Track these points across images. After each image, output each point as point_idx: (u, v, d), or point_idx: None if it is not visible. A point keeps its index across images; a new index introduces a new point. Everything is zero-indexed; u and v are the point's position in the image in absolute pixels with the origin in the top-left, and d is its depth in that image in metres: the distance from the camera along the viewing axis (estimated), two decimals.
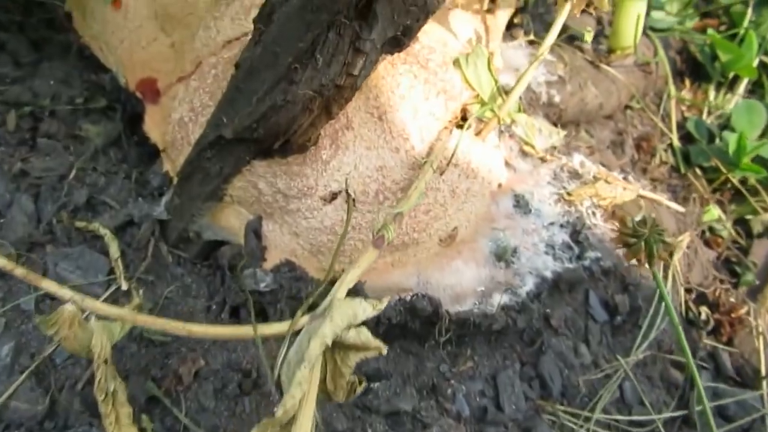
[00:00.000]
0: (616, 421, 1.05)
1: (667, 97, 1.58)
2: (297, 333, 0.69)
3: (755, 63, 1.58)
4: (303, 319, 0.69)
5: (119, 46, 1.16)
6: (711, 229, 1.42)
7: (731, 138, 1.43)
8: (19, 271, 0.68)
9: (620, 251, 1.05)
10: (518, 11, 1.50)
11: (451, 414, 0.97)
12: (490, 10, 1.34)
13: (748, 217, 1.47)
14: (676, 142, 1.52)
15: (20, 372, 0.88)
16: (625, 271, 1.17)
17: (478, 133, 1.12)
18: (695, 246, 1.30)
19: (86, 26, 1.17)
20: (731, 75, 1.64)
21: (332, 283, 0.85)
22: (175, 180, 1.01)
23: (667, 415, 1.08)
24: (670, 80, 1.59)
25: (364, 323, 0.70)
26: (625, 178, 1.30)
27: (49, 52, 1.23)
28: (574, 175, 1.21)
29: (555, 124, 1.34)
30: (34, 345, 0.92)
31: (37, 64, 1.20)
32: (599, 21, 1.65)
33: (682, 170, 1.49)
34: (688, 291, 1.25)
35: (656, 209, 1.29)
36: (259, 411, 0.91)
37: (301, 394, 0.58)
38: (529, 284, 1.06)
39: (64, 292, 0.71)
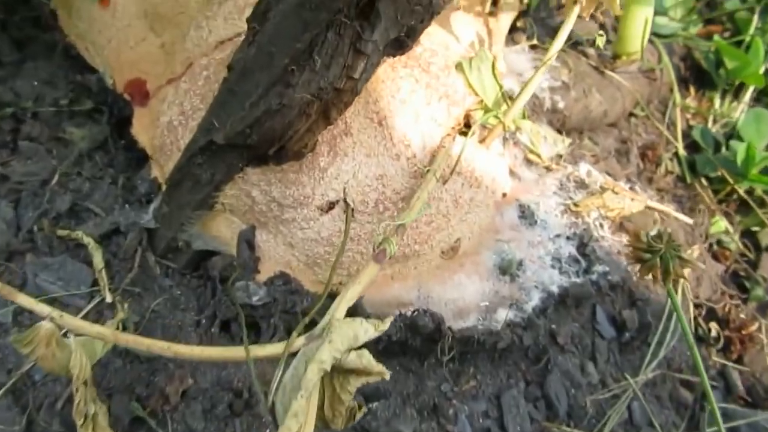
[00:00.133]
0: None
1: (673, 104, 1.54)
2: (293, 354, 0.64)
3: (761, 70, 1.54)
4: (299, 340, 0.64)
5: (107, 46, 1.11)
6: (719, 242, 1.37)
7: (739, 147, 1.39)
8: None
9: (631, 266, 1.01)
10: (521, 15, 1.45)
11: None
12: (492, 13, 1.30)
13: (755, 228, 1.43)
14: (682, 151, 1.48)
15: None
16: (633, 286, 1.12)
17: (482, 140, 1.07)
18: (704, 259, 1.26)
19: (72, 25, 1.12)
20: (736, 83, 1.60)
21: (330, 296, 0.80)
22: (164, 187, 0.96)
23: None
24: (675, 87, 1.55)
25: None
26: (631, 188, 1.25)
27: (32, 51, 1.17)
28: (581, 184, 1.16)
29: (559, 132, 1.29)
30: (11, 360, 0.86)
31: (20, 64, 1.15)
32: (602, 26, 1.61)
33: (688, 180, 1.45)
34: (697, 306, 1.21)
35: (664, 221, 1.25)
36: None
37: (298, 427, 0.53)
38: (534, 299, 1.02)
39: (41, 307, 0.66)
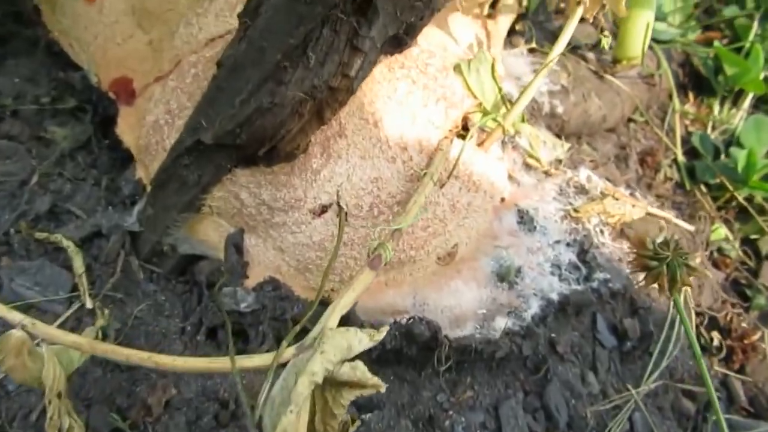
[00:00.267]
0: None
1: (672, 110, 1.52)
2: (282, 365, 0.60)
3: (761, 77, 1.52)
4: (289, 351, 0.60)
5: (92, 43, 1.07)
6: (719, 250, 1.35)
7: (740, 154, 1.37)
8: None
9: (634, 274, 0.98)
10: (519, 18, 1.43)
11: None
12: (490, 16, 1.27)
13: (754, 236, 1.41)
14: (681, 158, 1.46)
15: None
16: (634, 294, 1.09)
17: (480, 144, 1.04)
18: (705, 267, 1.23)
19: (56, 21, 1.08)
20: (736, 89, 1.58)
21: (322, 303, 0.77)
22: (149, 188, 0.92)
23: None
24: (674, 93, 1.53)
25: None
26: (631, 194, 1.22)
27: (14, 47, 1.13)
28: (581, 190, 1.13)
29: (558, 136, 1.26)
30: None
31: (1, 61, 1.10)
32: (601, 31, 1.59)
33: (688, 187, 1.42)
34: (698, 315, 1.18)
35: (662, 229, 1.22)
36: None
37: None
38: (534, 307, 0.98)
39: (13, 315, 0.61)
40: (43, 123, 1.05)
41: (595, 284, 1.04)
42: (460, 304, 0.97)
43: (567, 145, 1.21)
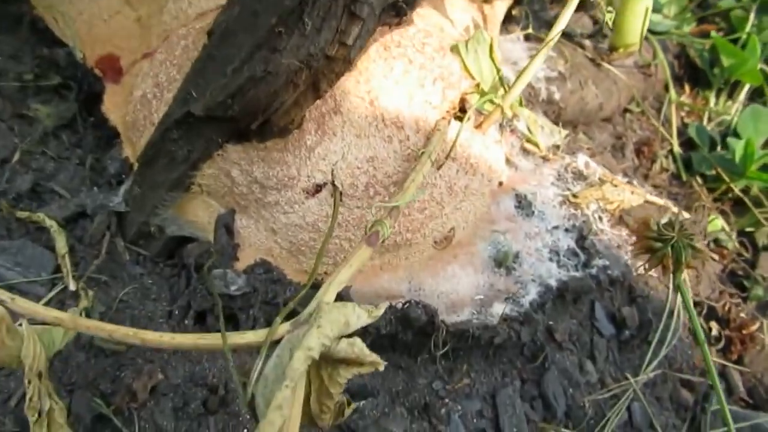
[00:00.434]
0: None
1: (668, 101, 1.50)
2: (276, 343, 0.57)
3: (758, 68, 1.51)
4: (283, 327, 0.57)
5: (77, 19, 1.04)
6: (716, 241, 1.33)
7: (737, 145, 1.35)
8: None
9: (633, 261, 0.96)
10: (515, 4, 1.40)
11: None
12: (486, 0, 1.25)
13: (749, 229, 1.39)
14: (677, 149, 1.44)
15: None
16: (633, 282, 1.07)
17: (478, 126, 1.01)
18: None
19: None
20: (731, 81, 1.57)
21: (314, 287, 0.74)
22: (136, 166, 0.88)
23: None
24: (671, 84, 1.51)
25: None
26: (629, 182, 1.20)
27: None
28: (579, 176, 1.11)
29: (555, 123, 1.24)
30: None
31: None
32: (596, 21, 1.57)
33: (684, 178, 1.41)
34: (696, 305, 1.16)
35: (670, 209, 1.20)
36: None
37: (282, 421, 0.46)
38: (532, 293, 0.96)
39: None
40: (26, 100, 1.01)
41: (593, 271, 1.01)
42: (457, 290, 0.94)
43: (564, 132, 1.19)
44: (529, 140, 1.11)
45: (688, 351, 1.08)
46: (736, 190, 1.38)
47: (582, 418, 0.95)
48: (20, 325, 0.62)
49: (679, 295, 1.10)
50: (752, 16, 1.60)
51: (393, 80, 0.93)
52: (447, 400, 0.89)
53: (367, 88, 0.91)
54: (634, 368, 1.03)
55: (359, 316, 0.55)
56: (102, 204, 0.89)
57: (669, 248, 0.78)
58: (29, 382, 0.59)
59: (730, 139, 1.41)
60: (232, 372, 0.54)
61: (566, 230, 1.03)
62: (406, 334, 0.86)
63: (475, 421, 0.90)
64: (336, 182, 0.85)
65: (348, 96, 0.89)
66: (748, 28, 1.59)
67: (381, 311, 0.57)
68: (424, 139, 0.93)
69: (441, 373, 0.91)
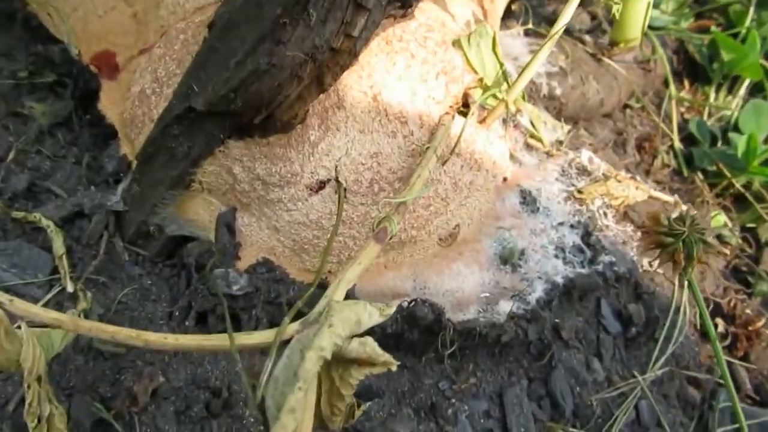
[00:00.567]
0: None
1: (668, 97, 1.49)
2: (284, 344, 0.55)
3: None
4: (291, 327, 0.55)
5: (72, 15, 1.02)
6: (719, 237, 1.32)
7: (740, 140, 1.34)
8: None
9: (645, 252, 0.94)
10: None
11: None
12: None
13: (751, 225, 1.38)
14: (678, 144, 1.43)
15: None
16: (639, 278, 1.06)
17: (482, 121, 1.00)
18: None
19: None
20: (731, 76, 1.56)
21: (320, 287, 0.72)
22: (134, 164, 0.86)
23: None
24: (671, 79, 1.50)
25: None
26: (632, 177, 1.19)
27: None
28: (583, 171, 1.09)
29: (556, 119, 1.23)
30: None
31: None
32: (594, 17, 1.56)
33: (685, 173, 1.40)
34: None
35: (667, 210, 1.19)
36: None
37: (295, 424, 0.44)
38: (538, 291, 0.94)
39: None
40: (21, 98, 0.99)
41: (600, 267, 1.00)
42: (462, 288, 0.92)
43: (567, 127, 1.17)
44: (532, 135, 1.09)
45: (694, 348, 1.07)
46: (738, 186, 1.37)
47: (590, 416, 0.94)
48: (18, 327, 0.60)
49: (685, 291, 1.09)
50: (751, 10, 1.59)
51: (395, 75, 0.92)
52: (454, 400, 0.88)
53: (370, 82, 0.89)
54: (641, 366, 1.02)
55: (371, 315, 0.53)
56: (100, 203, 0.87)
57: (680, 243, 0.76)
58: (28, 387, 0.57)
59: (732, 135, 1.40)
60: (240, 374, 0.53)
61: (571, 226, 1.02)
62: (412, 333, 0.84)
63: (482, 421, 0.88)
64: (340, 178, 0.83)
65: (351, 91, 0.87)
66: (747, 23, 1.58)
67: (393, 309, 0.55)
68: (428, 134, 0.92)
69: (447, 372, 0.89)
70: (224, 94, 0.70)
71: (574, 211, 1.03)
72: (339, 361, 0.53)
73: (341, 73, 0.74)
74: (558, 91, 1.26)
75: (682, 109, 1.53)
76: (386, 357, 0.52)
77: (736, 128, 1.44)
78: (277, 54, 0.67)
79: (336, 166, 0.82)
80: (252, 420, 0.78)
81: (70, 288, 0.82)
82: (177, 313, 0.84)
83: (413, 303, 0.83)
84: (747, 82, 1.55)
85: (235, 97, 0.70)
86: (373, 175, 0.85)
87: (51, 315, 0.55)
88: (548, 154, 1.10)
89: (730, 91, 1.57)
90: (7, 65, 1.02)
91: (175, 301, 0.86)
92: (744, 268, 1.28)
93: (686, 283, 0.83)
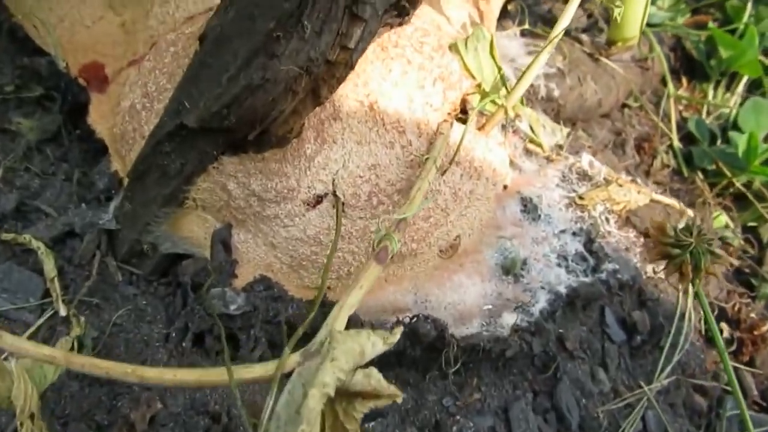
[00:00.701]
0: None
1: (666, 95, 1.47)
2: (285, 376, 0.53)
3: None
4: (292, 358, 0.53)
5: (58, 25, 0.99)
6: (720, 238, 1.30)
7: (740, 139, 1.32)
8: None
9: (652, 263, 0.92)
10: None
11: None
12: None
13: (752, 224, 1.37)
14: (677, 143, 1.41)
15: None
16: (643, 285, 1.04)
17: (480, 128, 0.98)
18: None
19: (18, 2, 1.00)
20: (729, 73, 1.54)
21: (321, 304, 0.70)
22: (126, 181, 0.84)
23: None
24: (669, 77, 1.48)
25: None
26: (632, 181, 1.18)
27: None
28: (584, 176, 1.08)
29: (555, 121, 1.21)
30: None
31: None
32: (590, 15, 1.54)
33: (685, 173, 1.38)
34: None
35: (669, 214, 1.17)
36: None
37: None
38: (541, 301, 0.92)
39: None
40: (8, 114, 0.96)
41: (603, 276, 0.98)
42: (464, 300, 0.91)
43: (566, 130, 1.15)
44: (532, 140, 1.07)
45: (700, 355, 1.05)
46: (738, 185, 1.35)
47: (596, 429, 0.92)
48: (7, 359, 0.58)
49: (690, 298, 1.07)
50: (749, 6, 1.57)
51: (392, 82, 0.89)
52: (458, 417, 0.86)
53: (366, 91, 0.87)
54: (646, 374, 1.00)
55: (374, 344, 0.51)
56: (91, 222, 0.85)
57: (687, 254, 0.75)
58: (21, 424, 0.55)
59: (732, 133, 1.38)
60: (242, 412, 0.50)
61: (574, 234, 1.00)
62: (415, 349, 0.82)
63: None
64: (338, 193, 0.81)
65: (346, 100, 0.85)
66: (745, 19, 1.56)
67: (397, 336, 0.53)
68: (427, 143, 0.90)
69: (451, 388, 0.88)
70: (217, 110, 0.68)
71: (576, 218, 1.01)
72: (343, 395, 0.51)
73: (338, 85, 0.72)
74: (556, 93, 1.24)
75: (681, 107, 1.51)
76: (392, 389, 0.50)
77: (736, 126, 1.42)
78: (271, 68, 0.64)
79: (333, 180, 0.80)
80: None
81: (62, 312, 0.79)
82: (174, 335, 0.82)
83: (415, 319, 0.81)
84: (745, 78, 1.53)
85: (229, 114, 0.68)
86: (371, 188, 0.83)
87: (43, 351, 0.53)
88: (548, 159, 1.08)
89: (729, 87, 1.56)
90: None
91: (171, 321, 0.83)
92: (747, 270, 1.26)
93: (702, 292, 0.81)
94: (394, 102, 0.88)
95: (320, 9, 0.62)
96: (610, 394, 0.96)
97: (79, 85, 0.95)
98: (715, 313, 1.13)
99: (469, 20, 1.13)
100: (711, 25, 1.55)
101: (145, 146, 0.76)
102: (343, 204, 0.80)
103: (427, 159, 0.83)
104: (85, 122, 0.92)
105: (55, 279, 0.81)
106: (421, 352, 0.83)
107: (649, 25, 1.56)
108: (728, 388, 1.07)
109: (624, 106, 1.43)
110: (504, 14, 1.36)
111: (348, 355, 0.49)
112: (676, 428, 0.98)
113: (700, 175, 1.38)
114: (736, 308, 1.14)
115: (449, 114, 0.95)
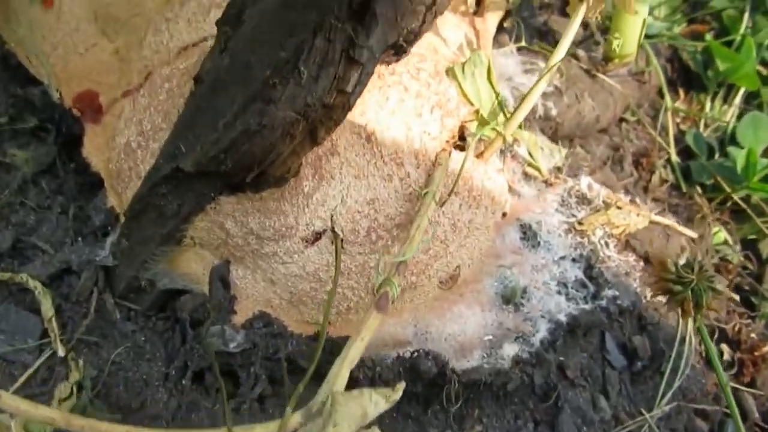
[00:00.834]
0: None
1: (664, 109, 1.46)
2: None
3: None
4: (294, 418, 0.52)
5: (51, 53, 0.98)
6: (721, 258, 1.30)
7: (738, 154, 1.32)
8: None
9: (654, 297, 0.92)
10: (506, 15, 1.36)
11: None
12: (477, 13, 1.20)
13: (751, 237, 1.36)
14: (675, 158, 1.41)
15: None
16: (643, 309, 1.04)
17: (479, 155, 0.97)
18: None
19: (10, 30, 0.98)
20: (726, 85, 1.54)
21: (318, 339, 0.69)
22: (123, 218, 0.83)
23: None
24: (666, 90, 1.48)
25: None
26: (631, 201, 1.17)
27: None
28: (583, 200, 1.07)
29: (552, 140, 1.20)
30: None
31: None
32: (586, 25, 1.53)
33: (684, 189, 1.37)
34: (706, 328, 1.12)
35: (668, 236, 1.17)
36: None
37: None
38: (542, 331, 0.92)
39: None
40: (2, 145, 0.95)
41: (603, 302, 0.98)
42: (465, 331, 0.90)
43: (564, 151, 1.15)
44: (530, 165, 1.07)
45: (700, 379, 1.05)
46: (736, 198, 1.35)
47: None
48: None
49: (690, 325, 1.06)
50: (746, 16, 1.57)
51: (389, 111, 0.89)
52: None
53: (363, 121, 0.86)
54: (647, 400, 1.00)
55: (377, 404, 0.51)
56: (88, 259, 0.84)
57: (689, 291, 0.74)
58: None
59: (730, 149, 1.38)
60: None
61: (573, 260, 0.99)
62: (416, 386, 0.82)
63: None
64: (336, 229, 0.80)
65: (344, 133, 0.84)
66: (742, 29, 1.56)
67: (399, 394, 0.52)
68: (425, 174, 0.89)
69: (452, 422, 0.87)
70: (214, 155, 0.67)
71: (576, 244, 1.01)
72: None
73: (335, 127, 0.71)
74: (554, 112, 1.23)
75: (678, 120, 1.51)
76: None
77: (734, 140, 1.42)
78: (268, 114, 0.64)
79: (332, 216, 0.80)
80: None
81: (61, 353, 0.79)
82: (173, 373, 0.81)
83: (416, 355, 0.81)
84: (743, 90, 1.53)
85: (226, 158, 0.67)
86: (370, 223, 0.83)
87: (43, 413, 0.52)
88: (547, 183, 1.07)
89: (726, 99, 1.55)
90: None
91: (170, 359, 0.83)
92: (746, 287, 1.26)
93: (704, 329, 0.81)
94: (391, 131, 0.88)
95: (317, 54, 0.62)
96: (611, 422, 0.96)
97: (74, 115, 0.94)
98: (716, 335, 1.13)
99: (466, 41, 1.12)
100: (708, 37, 1.54)
101: (141, 187, 0.76)
102: (342, 240, 0.80)
103: (426, 193, 0.82)
104: (79, 154, 0.91)
105: (53, 319, 0.80)
106: (422, 388, 0.83)
107: (646, 36, 1.55)
108: (727, 410, 1.06)
109: (621, 120, 1.43)
110: (500, 30, 1.36)
111: (350, 418, 0.49)
112: None
113: (698, 189, 1.38)
114: (736, 329, 1.14)
115: (447, 142, 0.94)
